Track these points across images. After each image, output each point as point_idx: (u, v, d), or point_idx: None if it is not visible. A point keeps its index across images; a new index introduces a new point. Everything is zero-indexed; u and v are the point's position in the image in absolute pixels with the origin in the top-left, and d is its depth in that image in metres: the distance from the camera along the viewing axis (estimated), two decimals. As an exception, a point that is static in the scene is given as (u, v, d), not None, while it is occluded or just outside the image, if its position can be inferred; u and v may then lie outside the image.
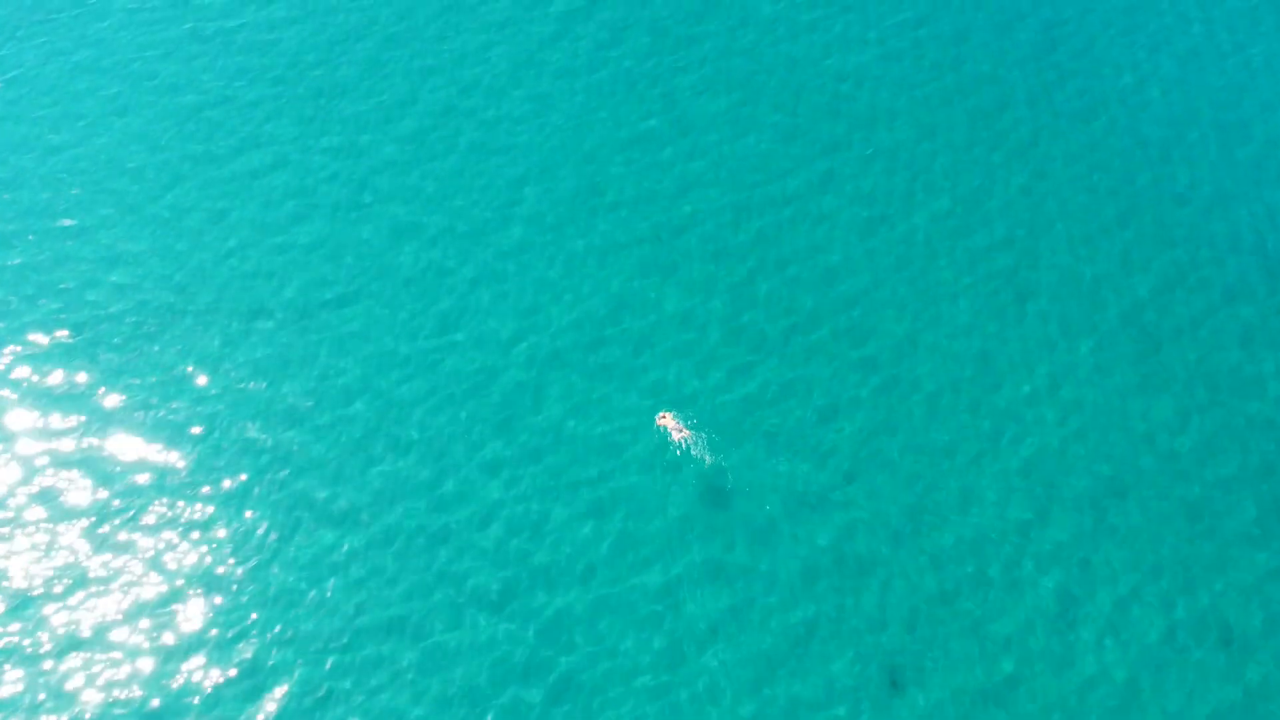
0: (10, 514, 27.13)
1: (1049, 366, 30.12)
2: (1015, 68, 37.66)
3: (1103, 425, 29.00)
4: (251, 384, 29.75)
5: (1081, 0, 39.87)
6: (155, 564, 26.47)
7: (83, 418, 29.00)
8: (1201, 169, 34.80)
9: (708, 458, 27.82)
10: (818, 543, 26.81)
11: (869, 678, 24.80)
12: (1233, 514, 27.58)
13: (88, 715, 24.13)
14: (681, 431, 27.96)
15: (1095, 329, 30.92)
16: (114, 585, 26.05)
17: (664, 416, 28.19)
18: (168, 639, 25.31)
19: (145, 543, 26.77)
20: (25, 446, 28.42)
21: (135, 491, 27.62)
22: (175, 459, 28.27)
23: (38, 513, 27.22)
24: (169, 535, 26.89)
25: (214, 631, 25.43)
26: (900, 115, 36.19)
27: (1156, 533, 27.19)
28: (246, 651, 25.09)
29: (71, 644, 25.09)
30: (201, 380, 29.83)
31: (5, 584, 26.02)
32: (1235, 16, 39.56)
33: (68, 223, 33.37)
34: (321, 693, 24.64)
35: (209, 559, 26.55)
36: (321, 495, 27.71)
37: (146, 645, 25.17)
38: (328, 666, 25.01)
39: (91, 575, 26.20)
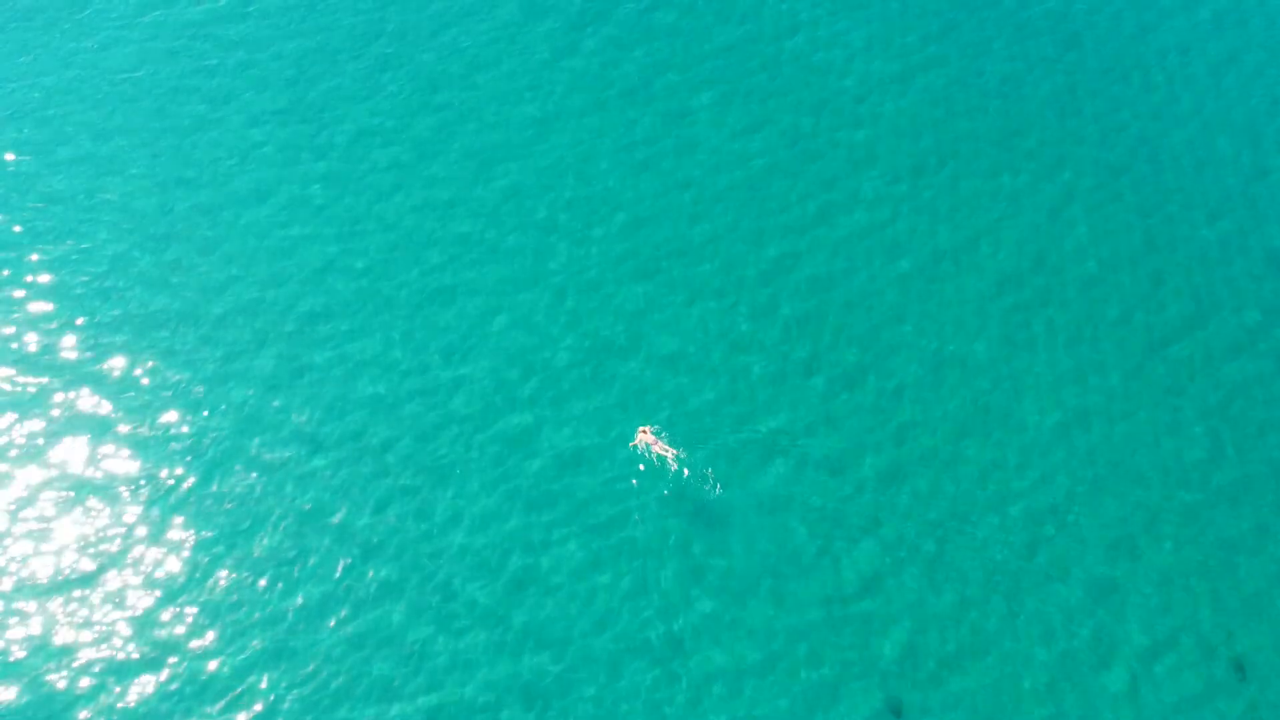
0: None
1: (1074, 397, 29.22)
2: (1039, 86, 36.81)
3: (1130, 458, 28.11)
4: (249, 413, 29.53)
5: (1106, 16, 39.14)
6: (152, 583, 26.47)
7: (68, 442, 29.05)
8: (1232, 189, 33.84)
9: (695, 473, 27.39)
10: (818, 564, 26.25)
11: (873, 709, 24.18)
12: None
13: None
14: (667, 450, 27.55)
15: (1124, 358, 29.96)
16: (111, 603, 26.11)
17: (644, 433, 27.82)
18: (160, 659, 25.31)
19: (137, 562, 26.81)
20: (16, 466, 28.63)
21: (121, 517, 27.64)
22: (168, 480, 28.31)
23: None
24: (158, 555, 27.00)
25: (212, 665, 25.41)
26: (920, 136, 35.46)
27: (1187, 570, 26.29)
28: (242, 687, 24.87)
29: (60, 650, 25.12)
30: (197, 404, 29.76)
31: None
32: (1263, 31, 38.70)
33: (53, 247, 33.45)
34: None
35: (204, 582, 26.59)
36: (326, 521, 27.62)
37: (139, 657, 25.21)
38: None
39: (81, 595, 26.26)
